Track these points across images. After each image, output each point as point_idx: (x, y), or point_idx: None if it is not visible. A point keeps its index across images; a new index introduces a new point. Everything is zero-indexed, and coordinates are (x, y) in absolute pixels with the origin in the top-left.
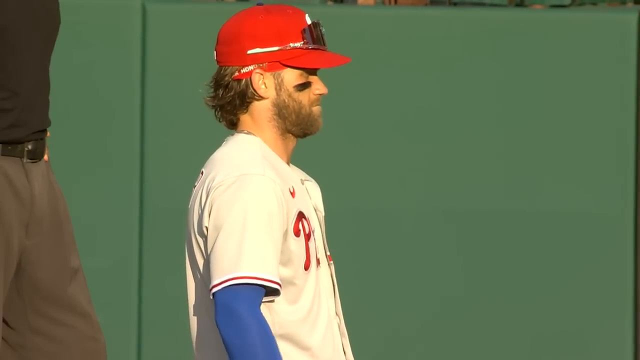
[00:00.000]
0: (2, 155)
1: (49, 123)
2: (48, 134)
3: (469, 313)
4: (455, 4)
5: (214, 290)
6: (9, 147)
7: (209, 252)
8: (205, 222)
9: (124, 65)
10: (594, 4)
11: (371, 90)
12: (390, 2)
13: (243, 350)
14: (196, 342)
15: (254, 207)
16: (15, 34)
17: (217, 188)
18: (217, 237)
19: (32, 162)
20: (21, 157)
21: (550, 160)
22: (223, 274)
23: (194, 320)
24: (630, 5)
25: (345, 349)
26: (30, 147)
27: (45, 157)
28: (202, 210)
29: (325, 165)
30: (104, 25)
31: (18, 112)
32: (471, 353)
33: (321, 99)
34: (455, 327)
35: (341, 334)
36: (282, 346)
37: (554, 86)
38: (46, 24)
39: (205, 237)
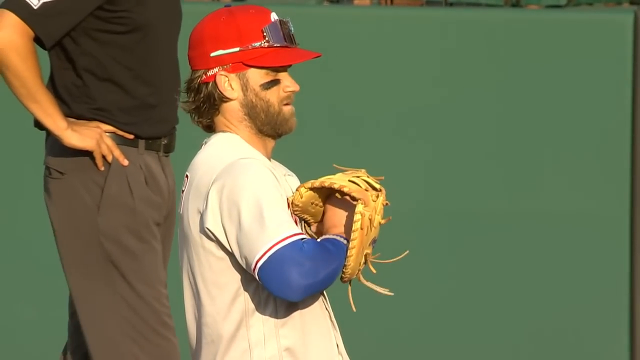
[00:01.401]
0: (145, 149)
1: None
2: None
3: (465, 313)
4: (451, 5)
5: (260, 264)
6: (149, 141)
7: (233, 245)
8: (210, 223)
9: None
10: (590, 4)
11: (367, 90)
12: (386, 3)
13: (329, 271)
14: (194, 343)
15: (256, 185)
16: (158, 30)
17: (211, 187)
18: (238, 227)
19: (166, 156)
20: (158, 150)
21: (546, 161)
22: (257, 251)
23: (192, 324)
24: (626, 5)
25: (337, 342)
26: (165, 141)
27: None
28: (202, 212)
29: (321, 164)
30: None
31: (161, 108)
32: (468, 353)
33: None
34: (451, 327)
35: (333, 327)
36: (284, 333)
37: (550, 87)
38: (178, 20)
39: (214, 237)
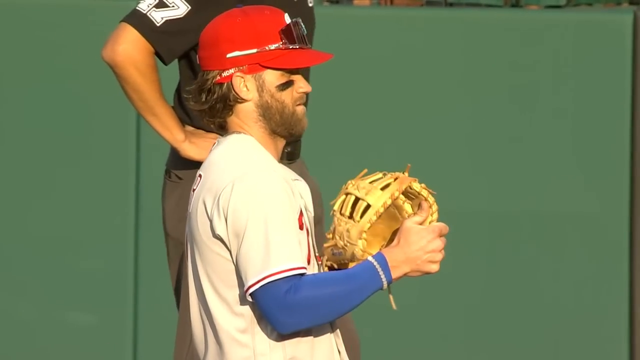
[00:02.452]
0: None
1: None
2: None
3: (462, 313)
4: (451, 5)
5: (251, 290)
6: None
7: (234, 256)
8: (219, 228)
9: None
10: (590, 4)
11: (367, 90)
12: (386, 3)
13: (327, 312)
14: (200, 346)
15: (268, 203)
16: None
17: (223, 192)
18: (241, 242)
19: (290, 163)
20: (281, 159)
21: (545, 162)
22: (256, 274)
23: (197, 324)
24: (625, 5)
25: (339, 348)
26: (289, 148)
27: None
28: (212, 216)
29: (319, 164)
30: (112, 26)
31: None
32: (468, 352)
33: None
34: (449, 327)
35: (335, 334)
36: (290, 342)
37: (549, 87)
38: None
39: (222, 242)
